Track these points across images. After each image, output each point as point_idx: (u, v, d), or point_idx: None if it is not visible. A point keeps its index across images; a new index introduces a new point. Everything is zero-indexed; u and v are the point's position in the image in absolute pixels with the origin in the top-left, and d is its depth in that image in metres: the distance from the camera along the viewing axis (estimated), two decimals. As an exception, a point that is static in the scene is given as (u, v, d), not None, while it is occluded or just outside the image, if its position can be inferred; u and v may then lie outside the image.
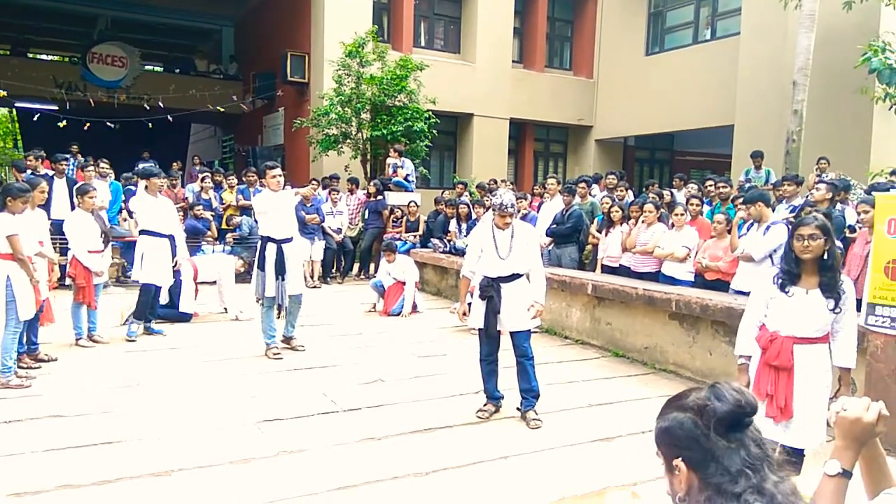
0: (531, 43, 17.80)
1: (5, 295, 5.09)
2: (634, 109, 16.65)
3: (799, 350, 3.30)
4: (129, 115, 17.15)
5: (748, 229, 6.43)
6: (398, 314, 8.47)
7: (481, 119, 16.68)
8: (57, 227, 9.55)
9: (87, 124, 16.08)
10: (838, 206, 6.90)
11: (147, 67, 21.36)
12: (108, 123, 16.58)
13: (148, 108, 16.78)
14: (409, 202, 11.59)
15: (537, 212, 9.37)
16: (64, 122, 15.73)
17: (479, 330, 4.88)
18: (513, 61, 17.26)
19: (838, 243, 5.53)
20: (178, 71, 22.08)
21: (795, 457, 3.44)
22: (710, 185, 8.69)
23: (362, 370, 5.89)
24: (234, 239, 10.77)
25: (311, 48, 15.33)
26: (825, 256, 3.23)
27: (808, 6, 10.69)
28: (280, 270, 6.15)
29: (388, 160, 12.73)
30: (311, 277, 10.79)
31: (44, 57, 23.85)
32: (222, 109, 16.82)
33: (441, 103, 13.91)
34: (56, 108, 17.42)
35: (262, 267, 6.20)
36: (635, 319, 6.62)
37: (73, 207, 9.65)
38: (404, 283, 8.58)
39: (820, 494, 1.56)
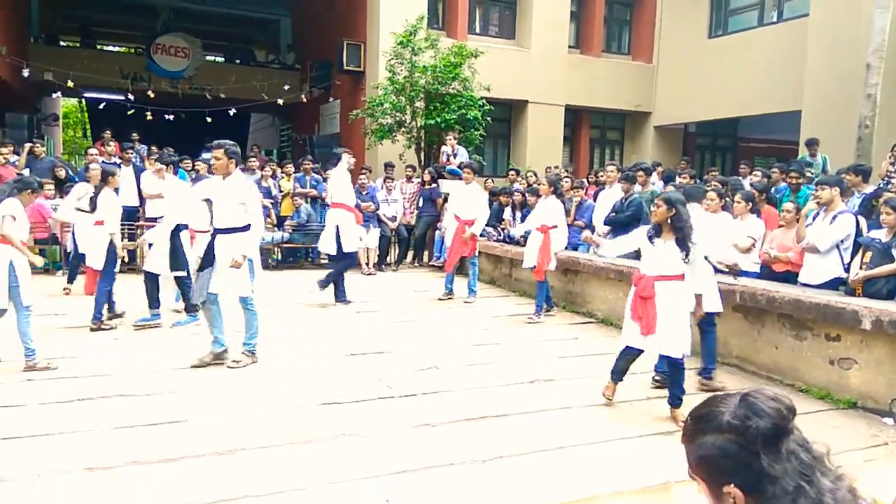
0: (588, 27, 17.46)
1: (8, 280, 5.12)
2: (696, 94, 16.15)
3: (658, 285, 4.54)
4: (192, 105, 17.65)
5: (814, 219, 6.17)
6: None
7: (536, 106, 16.48)
8: (126, 214, 9.94)
9: (151, 114, 16.61)
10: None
11: (208, 58, 21.92)
12: (169, 115, 17.11)
13: (209, 97, 17.23)
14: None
15: (594, 200, 9.21)
16: (131, 111, 16.27)
17: None
18: (569, 47, 16.97)
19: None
20: (238, 61, 22.58)
21: (675, 368, 4.61)
22: (775, 173, 8.37)
23: (417, 357, 5.92)
24: (292, 226, 10.98)
25: (367, 37, 15.41)
26: (670, 220, 4.50)
27: (885, -16, 10.12)
28: (207, 262, 5.56)
29: (443, 148, 12.72)
30: (367, 265, 10.91)
31: (111, 48, 24.73)
32: (281, 102, 17.12)
33: (495, 90, 13.80)
34: (122, 97, 18.06)
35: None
36: (696, 311, 6.43)
37: (140, 194, 10.03)
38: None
39: None
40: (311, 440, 3.97)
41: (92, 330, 6.45)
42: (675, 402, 4.59)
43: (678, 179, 9.44)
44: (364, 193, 10.95)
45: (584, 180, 10.67)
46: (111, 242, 6.53)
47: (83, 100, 24.50)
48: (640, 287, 4.60)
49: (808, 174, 8.27)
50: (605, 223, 8.52)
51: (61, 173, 10.28)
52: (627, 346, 4.73)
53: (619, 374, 4.83)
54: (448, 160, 12.46)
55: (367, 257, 10.98)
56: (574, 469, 3.75)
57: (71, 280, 8.27)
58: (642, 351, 4.70)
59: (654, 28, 17.74)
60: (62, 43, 22.22)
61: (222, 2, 21.06)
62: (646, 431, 4.33)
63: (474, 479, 3.57)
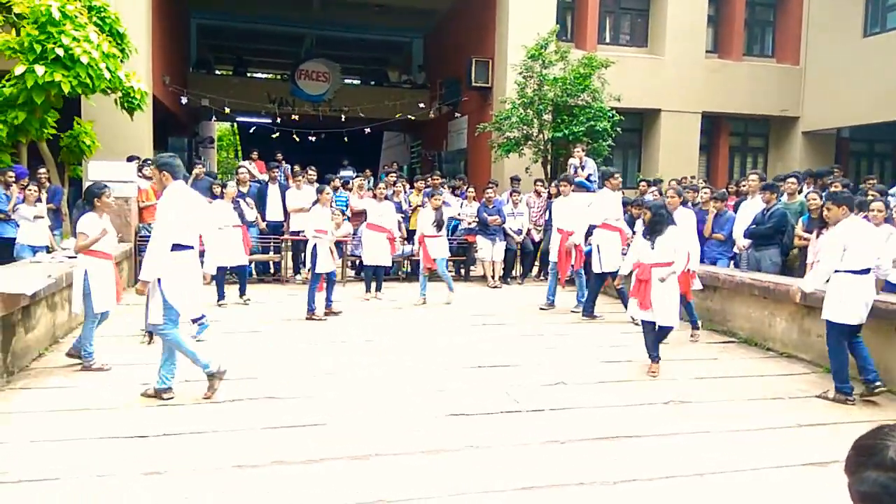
0: (728, 30, 16.60)
1: (83, 287, 5.53)
2: (850, 97, 14.86)
3: (654, 270, 5.78)
4: (331, 126, 18.69)
5: None
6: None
7: (669, 114, 15.88)
8: (273, 228, 10.68)
9: (295, 135, 17.76)
10: None
11: (346, 81, 23.14)
12: (311, 136, 18.22)
13: (346, 118, 18.18)
14: (590, 203, 11.32)
15: (734, 211, 8.69)
16: (277, 134, 17.50)
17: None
18: (706, 51, 16.23)
19: None
20: (372, 83, 23.66)
21: (664, 331, 5.94)
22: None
23: (544, 371, 5.86)
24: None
25: (495, 53, 15.60)
26: (651, 223, 5.88)
27: None
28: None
29: (570, 161, 12.55)
30: (492, 278, 10.98)
31: (259, 75, 26.78)
32: (413, 118, 17.69)
33: (626, 100, 13.47)
34: (269, 121, 19.48)
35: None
36: (853, 332, 5.87)
37: (285, 210, 10.73)
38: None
39: None
40: (440, 450, 4.04)
41: (307, 318, 7.78)
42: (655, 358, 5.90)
43: (830, 190, 8.68)
44: (490, 207, 11.04)
45: (725, 191, 10.06)
46: (315, 248, 7.79)
47: (235, 123, 26.69)
48: (640, 272, 5.89)
49: None
50: (746, 236, 8.03)
51: (217, 190, 11.24)
52: (643, 322, 5.94)
53: (652, 349, 5.87)
54: (576, 173, 12.28)
55: (493, 270, 11.04)
56: (713, 499, 3.54)
57: (221, 296, 8.64)
58: (654, 322, 5.85)
59: (800, 28, 16.58)
60: (217, 72, 24.38)
61: (360, 28, 22.18)
62: (796, 461, 4.00)
63: (604, 502, 3.47)
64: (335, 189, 12.40)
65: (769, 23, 17.36)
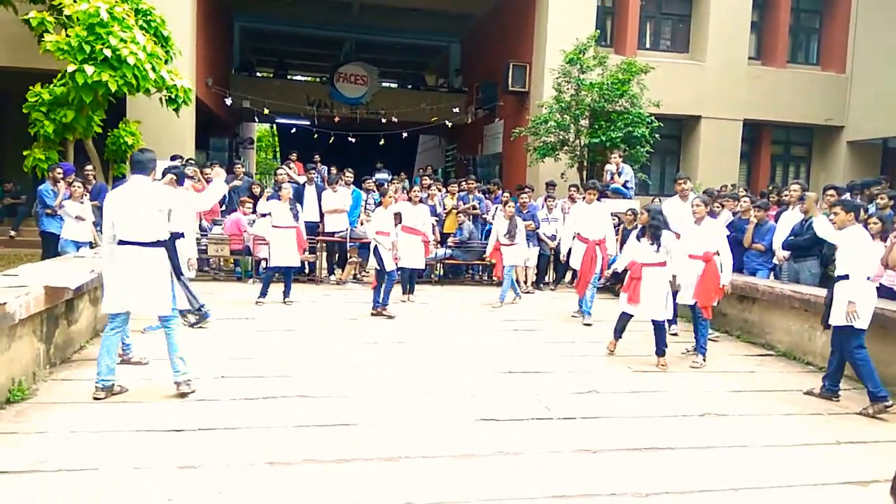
0: (771, 37, 16.29)
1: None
2: (899, 106, 14.43)
3: (645, 270, 6.27)
4: (368, 129, 18.85)
5: None
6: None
7: (710, 121, 15.63)
8: (308, 229, 10.79)
9: (332, 138, 17.96)
10: None
11: (384, 85, 23.31)
12: (350, 138, 18.40)
13: (384, 121, 18.33)
14: (627, 210, 11.20)
15: (775, 221, 8.50)
16: (315, 136, 17.72)
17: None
18: (749, 58, 15.94)
19: None
20: (409, 86, 23.79)
21: (658, 329, 6.31)
22: None
23: (575, 379, 5.80)
24: (454, 243, 11.27)
25: (533, 57, 15.55)
26: (650, 225, 6.31)
27: None
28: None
29: (607, 167, 12.44)
30: (525, 283, 10.92)
31: (298, 78, 27.14)
32: (450, 124, 17.75)
33: (665, 106, 13.30)
34: (308, 123, 19.74)
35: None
36: (898, 349, 5.70)
37: (321, 211, 10.85)
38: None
39: None
40: (471, 455, 4.03)
41: (372, 314, 8.16)
42: (659, 352, 6.34)
43: (877, 201, 8.42)
44: (525, 212, 11.00)
45: (767, 200, 9.83)
46: (377, 249, 8.16)
47: (274, 125, 27.11)
48: (633, 271, 6.34)
49: None
50: (784, 247, 7.85)
51: (257, 190, 11.43)
52: (622, 312, 6.47)
53: (619, 332, 6.58)
54: (612, 179, 12.16)
55: (525, 275, 10.99)
56: (748, 513, 3.47)
57: (263, 294, 8.70)
58: (632, 315, 6.43)
59: (847, 36, 16.18)
60: (258, 74, 24.78)
61: (399, 32, 22.33)
62: (835, 479, 3.89)
63: (636, 512, 3.42)
64: (368, 191, 12.52)
65: (814, 30, 16.99)
